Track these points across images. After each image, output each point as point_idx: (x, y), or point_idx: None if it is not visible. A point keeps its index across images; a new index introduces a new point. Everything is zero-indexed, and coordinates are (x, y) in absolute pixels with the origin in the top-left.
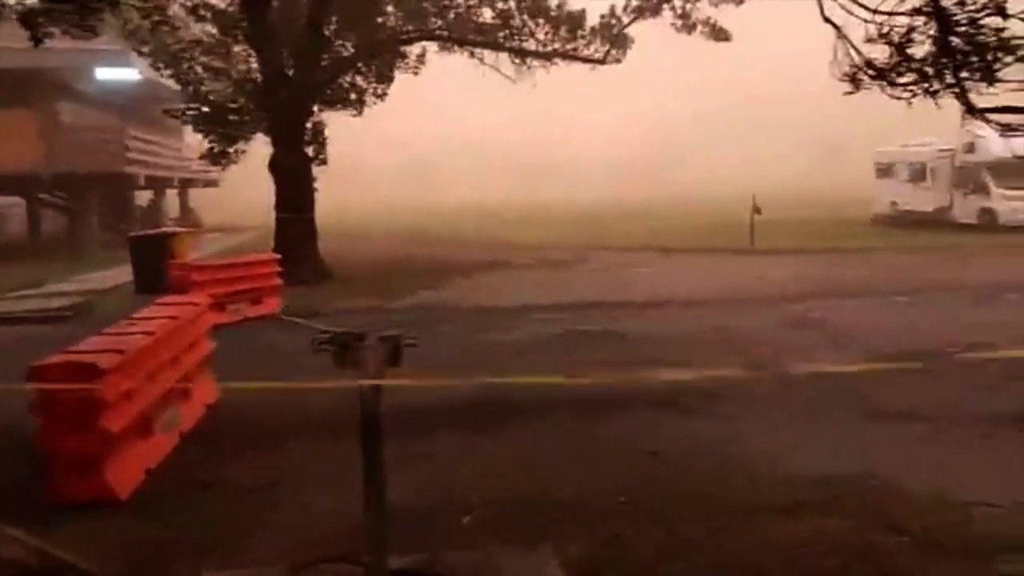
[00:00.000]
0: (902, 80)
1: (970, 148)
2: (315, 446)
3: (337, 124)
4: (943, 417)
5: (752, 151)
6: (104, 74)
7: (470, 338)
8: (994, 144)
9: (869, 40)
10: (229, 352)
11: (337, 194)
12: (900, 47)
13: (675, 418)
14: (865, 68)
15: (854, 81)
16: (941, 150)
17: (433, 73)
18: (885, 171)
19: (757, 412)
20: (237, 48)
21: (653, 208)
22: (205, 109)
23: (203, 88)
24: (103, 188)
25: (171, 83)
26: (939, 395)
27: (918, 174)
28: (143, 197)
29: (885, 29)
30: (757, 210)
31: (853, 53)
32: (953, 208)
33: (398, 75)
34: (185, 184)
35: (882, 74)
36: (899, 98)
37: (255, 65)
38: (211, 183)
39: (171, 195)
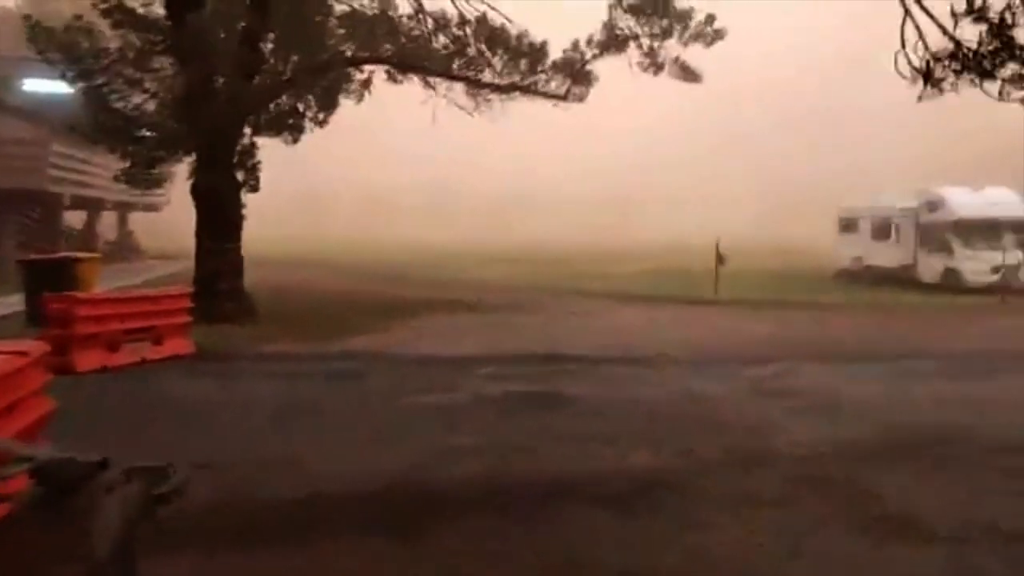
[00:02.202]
0: (1003, 72)
1: (934, 207)
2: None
3: (293, 152)
4: (963, 534)
5: (712, 194)
6: (32, 85)
7: (395, 401)
8: (958, 203)
9: (954, 17)
10: (98, 406)
11: (287, 225)
12: (999, 28)
13: (614, 520)
14: (947, 58)
15: (928, 77)
16: (905, 207)
17: (393, 103)
18: (849, 226)
19: (722, 511)
20: (159, 59)
21: (615, 251)
22: (115, 123)
23: (113, 99)
24: (22, 207)
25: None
26: (948, 494)
27: (883, 231)
28: (79, 219)
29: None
30: (721, 260)
31: (929, 39)
32: (917, 266)
33: (348, 103)
34: (122, 207)
35: (972, 64)
36: (999, 98)
37: (179, 79)
38: (151, 207)
39: (110, 218)
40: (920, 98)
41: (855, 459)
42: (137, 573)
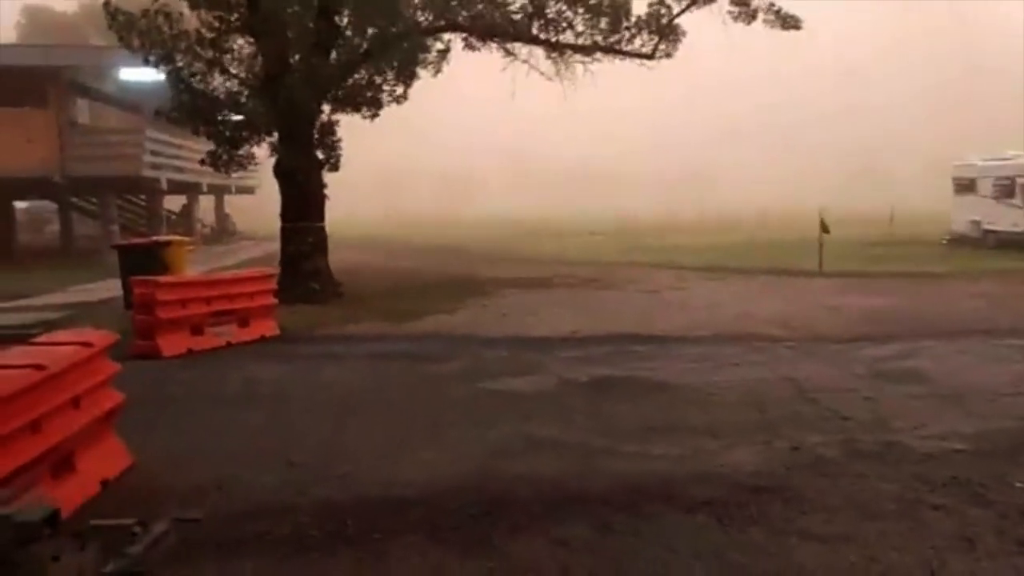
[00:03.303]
0: None
1: None
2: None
3: (366, 128)
4: None
5: (789, 166)
6: (128, 74)
7: (474, 385)
8: None
9: None
10: (173, 393)
11: (362, 202)
12: None
13: (717, 531)
14: None
15: None
16: None
17: (467, 75)
18: (966, 187)
19: (844, 520)
20: (236, 38)
21: (697, 222)
22: (197, 105)
23: (195, 82)
24: (122, 192)
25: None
26: None
27: (1005, 190)
28: (178, 203)
29: None
30: (825, 228)
31: None
32: None
33: (424, 75)
34: (218, 190)
35: None
36: None
37: (259, 58)
38: (245, 189)
39: (208, 202)
40: None
41: (1000, 457)
42: None
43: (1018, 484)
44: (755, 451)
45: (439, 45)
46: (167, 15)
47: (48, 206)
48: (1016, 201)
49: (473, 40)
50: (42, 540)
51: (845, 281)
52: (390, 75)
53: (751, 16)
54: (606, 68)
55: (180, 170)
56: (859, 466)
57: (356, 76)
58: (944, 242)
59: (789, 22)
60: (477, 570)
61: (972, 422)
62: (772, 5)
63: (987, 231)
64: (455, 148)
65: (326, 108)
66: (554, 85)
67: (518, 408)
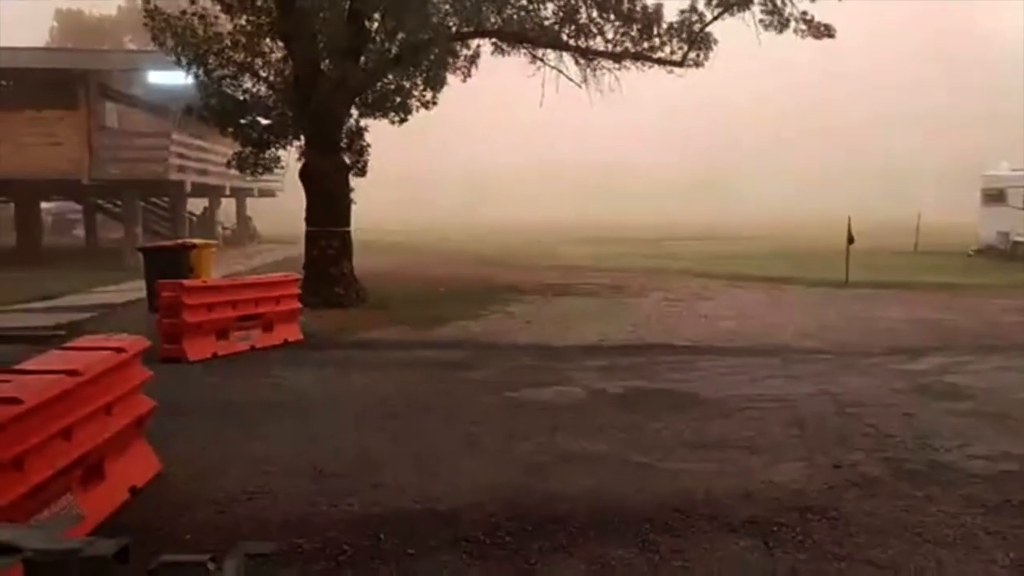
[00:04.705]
0: None
1: None
2: None
3: (392, 134)
4: None
5: (818, 178)
6: (156, 78)
7: (500, 396)
8: None
9: None
10: (205, 398)
11: (389, 207)
12: None
13: (760, 555)
14: None
15: None
16: None
17: (495, 82)
18: (995, 197)
19: (894, 545)
20: (268, 42)
21: (716, 230)
22: (226, 107)
23: (225, 84)
24: (147, 194)
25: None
26: None
27: None
28: (200, 206)
29: None
30: (851, 238)
31: None
32: None
33: (452, 81)
34: (240, 193)
35: None
36: None
37: (289, 62)
38: (268, 192)
39: (230, 205)
40: None
41: None
42: None
43: None
44: (796, 468)
45: (467, 51)
46: (202, 17)
47: (72, 207)
48: None
49: (503, 45)
50: None
51: (873, 292)
52: (419, 80)
53: (783, 24)
54: (633, 75)
55: (204, 172)
56: (906, 486)
57: (385, 81)
58: (971, 253)
59: (822, 31)
60: None
61: (1019, 441)
62: (805, 13)
63: (1016, 242)
64: (479, 153)
65: (354, 112)
66: (581, 92)
67: (548, 420)
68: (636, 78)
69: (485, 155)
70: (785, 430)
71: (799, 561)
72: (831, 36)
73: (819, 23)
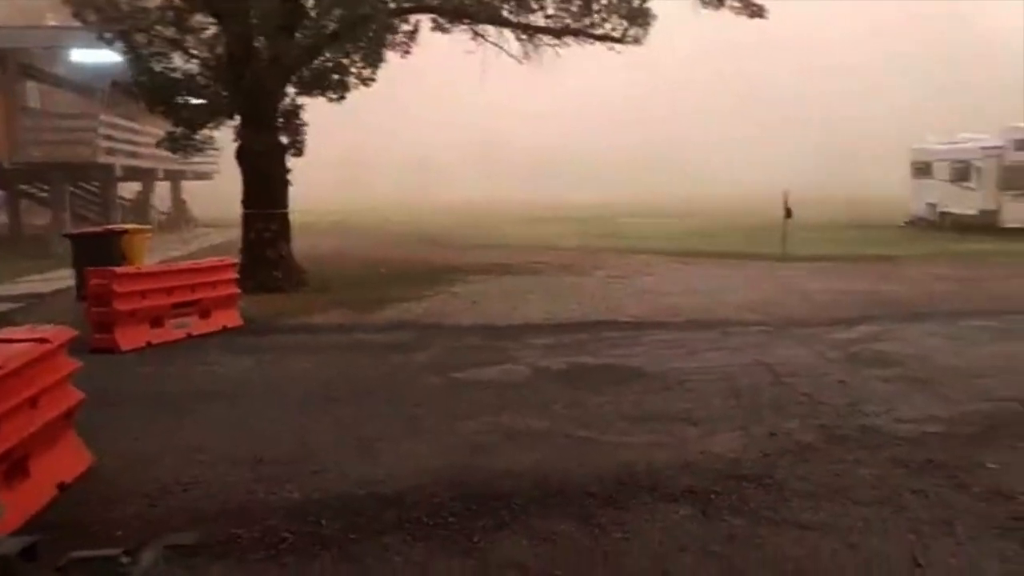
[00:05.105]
0: None
1: (1022, 145)
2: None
3: (332, 114)
4: None
5: (758, 150)
6: (81, 56)
7: (445, 377)
8: None
9: None
10: (131, 391)
11: (330, 188)
12: None
13: (703, 523)
14: None
15: None
16: (987, 147)
17: (436, 62)
18: (923, 170)
19: (825, 508)
20: (199, 17)
21: (662, 206)
22: (156, 85)
23: (153, 62)
24: (75, 178)
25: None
26: None
27: (961, 173)
28: (133, 190)
29: None
30: (788, 212)
31: None
32: (1001, 211)
33: (392, 59)
34: (174, 176)
35: None
36: None
37: (222, 39)
38: (203, 175)
39: (163, 189)
40: None
41: (976, 441)
42: None
43: (991, 465)
44: (734, 438)
45: (407, 26)
46: None
47: None
48: (971, 184)
49: (442, 22)
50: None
51: (810, 265)
52: (357, 57)
53: (719, 2)
54: (574, 51)
55: (135, 155)
56: (837, 451)
57: (322, 58)
58: (903, 225)
59: (755, 11)
60: (461, 569)
61: (944, 404)
62: None
63: (943, 213)
64: (422, 133)
65: (291, 91)
66: (521, 70)
67: (493, 398)
68: (584, 57)
69: (428, 136)
70: (723, 401)
71: (735, 527)
72: (762, 16)
73: (751, 2)
